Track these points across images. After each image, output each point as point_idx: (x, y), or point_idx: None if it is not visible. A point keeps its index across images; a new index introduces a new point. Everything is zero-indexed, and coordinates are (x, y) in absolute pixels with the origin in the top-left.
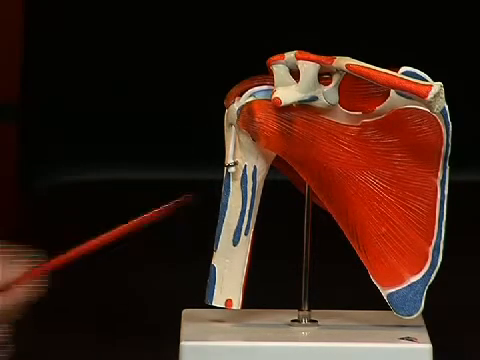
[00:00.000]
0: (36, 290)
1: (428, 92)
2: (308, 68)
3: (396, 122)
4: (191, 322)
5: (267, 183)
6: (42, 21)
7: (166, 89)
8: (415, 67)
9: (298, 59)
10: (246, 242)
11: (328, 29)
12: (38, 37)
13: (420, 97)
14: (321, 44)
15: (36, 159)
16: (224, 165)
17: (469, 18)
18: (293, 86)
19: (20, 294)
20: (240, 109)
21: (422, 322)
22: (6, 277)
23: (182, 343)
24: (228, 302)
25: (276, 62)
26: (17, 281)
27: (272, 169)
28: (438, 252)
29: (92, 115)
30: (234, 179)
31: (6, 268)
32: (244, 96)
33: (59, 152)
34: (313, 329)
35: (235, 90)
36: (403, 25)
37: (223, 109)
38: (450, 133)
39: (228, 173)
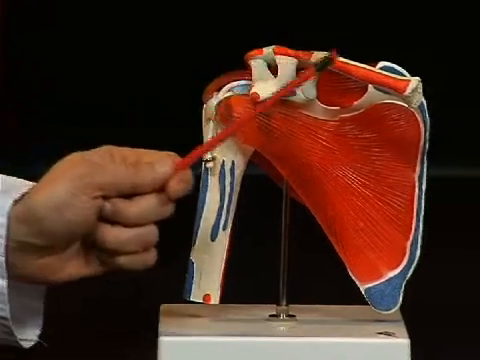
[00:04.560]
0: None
1: (406, 87)
2: (286, 63)
3: (374, 117)
4: (169, 317)
5: (245, 178)
6: (22, 18)
7: (163, 89)
8: (394, 62)
9: (276, 54)
10: (224, 237)
11: (328, 29)
12: (35, 37)
13: (398, 92)
14: (313, 43)
15: (23, 156)
16: (202, 160)
17: (464, 18)
18: (271, 81)
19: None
20: (218, 104)
21: (400, 317)
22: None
23: (160, 338)
24: (206, 297)
25: (254, 57)
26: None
27: (250, 164)
28: (416, 247)
29: (88, 114)
30: (212, 174)
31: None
32: (222, 91)
33: (44, 148)
34: (291, 324)
35: (213, 85)
36: (386, 23)
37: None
38: (428, 128)
39: (206, 168)
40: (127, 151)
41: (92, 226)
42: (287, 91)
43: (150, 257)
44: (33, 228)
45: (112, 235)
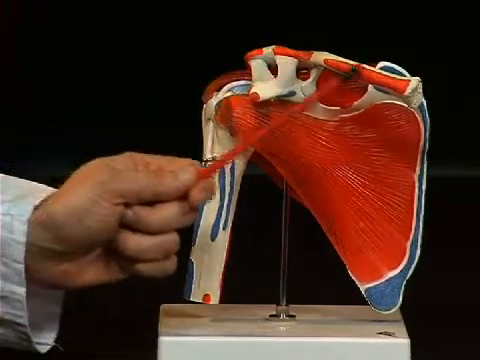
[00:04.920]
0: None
1: (406, 87)
2: (286, 63)
3: (374, 117)
4: (169, 317)
5: (245, 178)
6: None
7: (163, 89)
8: (394, 62)
9: (276, 54)
10: (224, 237)
11: (328, 29)
12: (35, 37)
13: (398, 92)
14: (313, 43)
15: (23, 156)
16: (202, 160)
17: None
18: (271, 81)
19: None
20: (218, 104)
21: (400, 317)
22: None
23: (160, 338)
24: (206, 297)
25: (254, 57)
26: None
27: (250, 164)
28: (416, 247)
29: (88, 114)
30: None
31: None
32: (222, 91)
33: (44, 148)
34: (291, 324)
35: (213, 85)
36: (385, 24)
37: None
38: (428, 128)
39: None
40: (149, 158)
41: (113, 233)
42: (313, 100)
43: (170, 265)
44: (53, 234)
45: (133, 242)
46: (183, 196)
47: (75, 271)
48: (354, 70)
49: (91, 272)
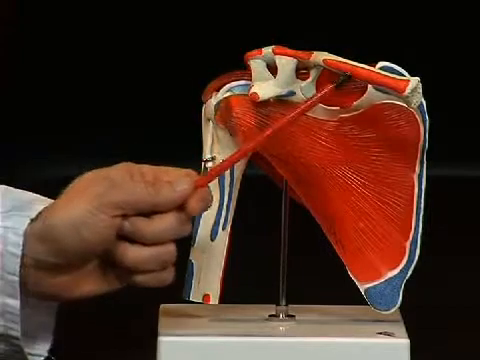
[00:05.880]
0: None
1: (405, 87)
2: (286, 63)
3: (373, 117)
4: (169, 317)
5: (245, 178)
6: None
7: (163, 89)
8: (394, 62)
9: (276, 54)
10: (224, 237)
11: (328, 29)
12: (27, 33)
13: (397, 92)
14: (313, 43)
15: (19, 155)
16: (202, 160)
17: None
18: (271, 81)
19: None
20: (218, 104)
21: (399, 317)
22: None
23: (160, 338)
24: (206, 297)
25: (254, 57)
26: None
27: (250, 164)
28: (415, 246)
29: (88, 115)
30: None
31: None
32: (221, 91)
33: (43, 148)
34: (291, 324)
35: (212, 85)
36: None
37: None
38: (427, 128)
39: (206, 168)
40: (145, 168)
41: (110, 244)
42: (308, 107)
43: (167, 276)
44: (50, 247)
45: (131, 254)
46: (180, 206)
47: (72, 283)
48: (343, 78)
49: (88, 283)
